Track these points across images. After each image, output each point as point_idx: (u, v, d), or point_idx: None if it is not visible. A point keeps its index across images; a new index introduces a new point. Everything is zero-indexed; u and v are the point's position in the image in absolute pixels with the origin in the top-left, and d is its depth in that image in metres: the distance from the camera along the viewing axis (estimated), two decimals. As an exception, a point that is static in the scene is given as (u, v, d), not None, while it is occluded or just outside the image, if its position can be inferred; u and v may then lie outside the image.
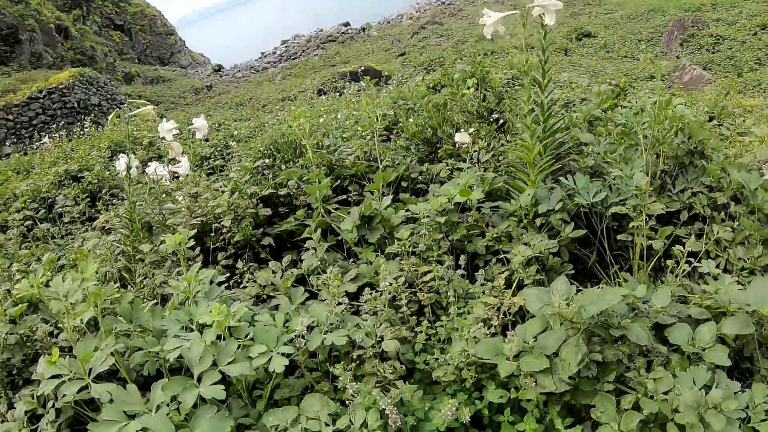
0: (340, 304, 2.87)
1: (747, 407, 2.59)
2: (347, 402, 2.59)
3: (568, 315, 2.57)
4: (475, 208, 3.74)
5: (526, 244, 3.48)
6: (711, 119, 5.59)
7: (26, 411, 3.11)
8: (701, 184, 4.22)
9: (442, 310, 3.24)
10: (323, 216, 4.06)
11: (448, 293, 3.10)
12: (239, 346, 2.64)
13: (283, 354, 2.61)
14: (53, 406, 3.03)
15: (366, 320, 2.86)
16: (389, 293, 3.00)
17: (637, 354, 2.85)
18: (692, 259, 3.69)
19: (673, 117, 4.40)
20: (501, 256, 3.70)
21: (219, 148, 8.55)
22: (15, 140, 17.26)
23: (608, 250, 4.15)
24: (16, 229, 6.85)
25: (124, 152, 11.03)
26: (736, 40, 21.89)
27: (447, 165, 4.61)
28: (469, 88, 4.87)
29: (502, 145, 4.79)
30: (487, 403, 2.66)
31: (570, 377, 2.57)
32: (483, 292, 3.19)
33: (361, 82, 8.72)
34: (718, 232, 3.73)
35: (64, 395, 2.96)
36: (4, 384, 3.47)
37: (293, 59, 24.39)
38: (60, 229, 6.89)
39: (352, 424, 2.44)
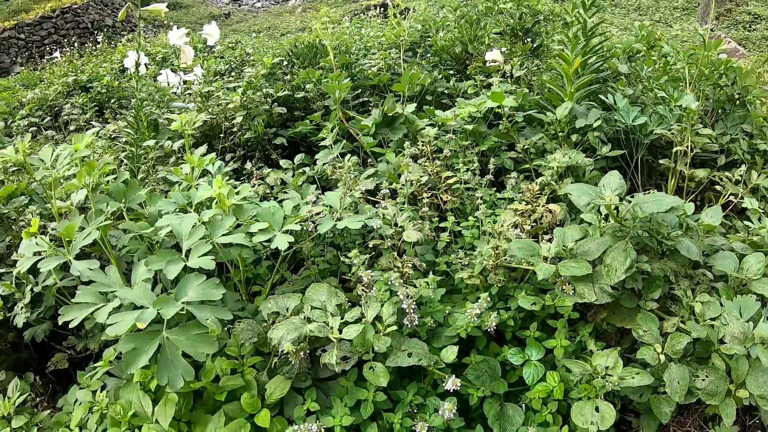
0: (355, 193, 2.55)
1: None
2: (361, 297, 2.28)
3: (621, 213, 2.26)
4: (506, 117, 3.40)
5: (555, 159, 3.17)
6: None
7: (2, 294, 2.84)
8: (741, 131, 3.91)
9: (464, 218, 2.94)
10: (341, 119, 3.73)
11: (476, 195, 2.80)
12: (239, 224, 2.32)
13: (287, 232, 2.26)
14: (31, 290, 2.77)
15: (386, 208, 2.55)
16: (410, 187, 2.69)
17: (681, 276, 2.55)
18: (733, 198, 3.40)
19: (718, 61, 4.07)
20: (530, 174, 3.41)
21: (234, 65, 8.20)
22: (27, 59, 16.92)
23: (641, 184, 3.86)
24: (20, 135, 6.62)
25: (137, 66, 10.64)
26: (775, 22, 20.96)
27: (475, 81, 4.28)
28: (506, 2, 4.50)
29: (537, 66, 4.45)
30: (512, 316, 2.36)
31: (613, 288, 2.28)
32: (512, 199, 2.89)
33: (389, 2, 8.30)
34: (756, 179, 3.41)
35: (45, 279, 2.74)
36: None
37: (316, -7, 23.65)
38: (65, 137, 6.65)
39: (364, 317, 2.13)
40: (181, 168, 2.98)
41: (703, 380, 2.23)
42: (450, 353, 2.11)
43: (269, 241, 2.20)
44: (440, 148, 3.24)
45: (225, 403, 2.18)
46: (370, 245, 2.49)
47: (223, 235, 2.21)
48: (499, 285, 2.38)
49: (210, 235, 2.22)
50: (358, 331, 2.00)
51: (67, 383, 3.12)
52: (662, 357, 2.21)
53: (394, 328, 2.05)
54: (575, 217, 3.03)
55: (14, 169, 4.52)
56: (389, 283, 2.18)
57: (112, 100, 7.40)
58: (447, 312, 2.30)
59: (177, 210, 2.60)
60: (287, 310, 2.21)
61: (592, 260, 2.29)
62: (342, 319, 2.12)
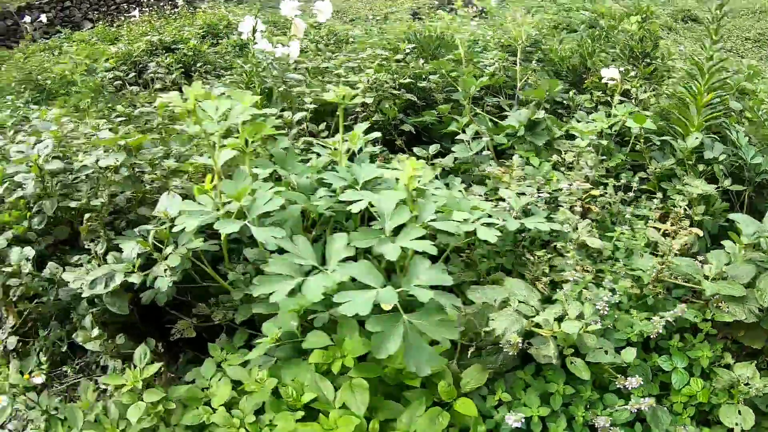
0: (523, 194, 2.69)
1: None
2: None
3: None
4: (642, 139, 3.56)
5: (688, 184, 3.31)
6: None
7: (139, 253, 2.58)
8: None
9: (600, 230, 3.08)
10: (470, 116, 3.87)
11: (625, 210, 2.96)
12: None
13: (489, 225, 2.28)
14: (174, 250, 2.54)
15: (566, 214, 2.68)
16: (574, 196, 2.84)
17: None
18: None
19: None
20: (652, 194, 3.53)
21: (320, 45, 8.28)
22: (99, 16, 17.05)
23: (744, 221, 3.97)
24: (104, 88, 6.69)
25: (219, 34, 10.65)
26: None
27: (592, 96, 4.41)
28: (632, 24, 4.61)
29: (653, 90, 4.57)
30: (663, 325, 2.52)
31: (759, 310, 2.47)
32: (647, 217, 3.04)
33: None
34: None
35: (187, 241, 2.52)
36: (104, 223, 2.94)
37: (384, -18, 23.52)
38: (151, 95, 6.74)
39: (566, 314, 2.23)
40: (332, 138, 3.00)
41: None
42: (629, 354, 2.28)
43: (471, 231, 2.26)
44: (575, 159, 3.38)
45: (407, 390, 2.25)
46: (558, 246, 2.63)
47: (431, 220, 2.25)
48: (655, 297, 2.54)
49: (418, 218, 2.26)
50: (576, 327, 2.14)
51: (176, 351, 2.99)
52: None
53: (597, 327, 2.19)
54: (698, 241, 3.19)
55: (122, 119, 4.55)
56: (588, 286, 2.33)
57: (198, 64, 7.46)
58: (616, 316, 2.45)
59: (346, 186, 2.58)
60: (495, 301, 2.32)
61: (742, 284, 2.50)
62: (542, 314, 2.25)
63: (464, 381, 2.26)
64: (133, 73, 7.45)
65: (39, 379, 2.61)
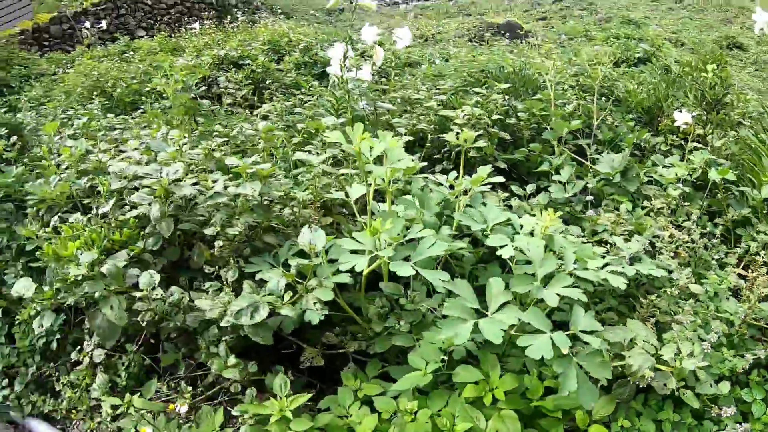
0: (629, 240, 3.05)
1: None
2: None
3: None
4: (722, 188, 3.89)
5: (762, 232, 3.63)
6: None
7: (287, 284, 2.65)
8: None
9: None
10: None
11: (708, 255, 3.30)
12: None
13: (619, 273, 2.60)
14: (321, 283, 2.61)
15: (672, 263, 3.04)
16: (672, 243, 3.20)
17: None
18: None
19: None
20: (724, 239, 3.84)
21: (384, 67, 8.42)
22: (151, 25, 17.54)
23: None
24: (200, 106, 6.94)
25: (281, 51, 10.79)
26: None
27: (666, 139, 4.74)
28: (708, 73, 4.93)
29: (724, 134, 4.89)
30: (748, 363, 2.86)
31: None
32: (723, 264, 3.39)
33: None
34: None
35: (329, 275, 2.60)
36: (233, 250, 3.02)
37: (426, 0, 23.89)
38: (221, 110, 6.92)
39: (680, 352, 2.58)
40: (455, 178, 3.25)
41: None
42: (725, 386, 2.70)
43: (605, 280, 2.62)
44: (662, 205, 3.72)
45: (540, 418, 2.54)
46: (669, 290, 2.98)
47: (575, 268, 2.56)
48: (740, 337, 2.94)
49: (565, 266, 2.61)
50: (693, 364, 2.53)
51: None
52: None
53: (705, 363, 2.58)
54: None
55: (223, 139, 4.67)
56: (696, 329, 2.70)
57: (268, 81, 7.67)
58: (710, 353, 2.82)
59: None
60: (624, 340, 2.65)
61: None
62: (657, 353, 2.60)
63: (595, 410, 2.59)
64: (204, 87, 7.68)
65: (184, 409, 2.60)
